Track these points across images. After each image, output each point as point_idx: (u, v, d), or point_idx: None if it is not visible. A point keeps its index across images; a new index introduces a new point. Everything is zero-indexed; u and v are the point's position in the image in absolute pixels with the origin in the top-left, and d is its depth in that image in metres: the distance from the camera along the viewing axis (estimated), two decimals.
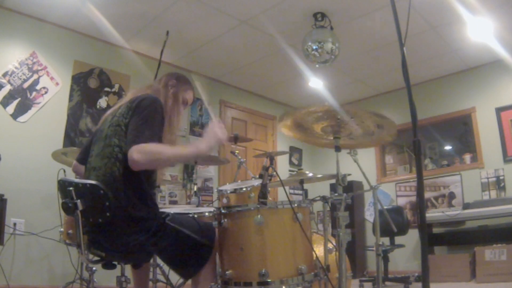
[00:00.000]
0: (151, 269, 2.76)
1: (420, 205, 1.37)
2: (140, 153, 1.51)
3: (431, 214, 4.57)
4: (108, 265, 1.70)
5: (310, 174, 2.57)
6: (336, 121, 1.97)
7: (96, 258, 1.67)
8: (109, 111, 1.85)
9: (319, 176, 2.61)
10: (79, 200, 1.52)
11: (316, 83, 5.46)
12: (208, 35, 4.29)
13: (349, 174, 2.09)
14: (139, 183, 1.63)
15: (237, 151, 3.27)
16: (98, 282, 3.18)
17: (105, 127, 1.73)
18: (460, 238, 4.55)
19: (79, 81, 4.10)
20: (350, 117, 1.93)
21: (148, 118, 1.62)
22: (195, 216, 2.06)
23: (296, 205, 1.81)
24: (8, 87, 3.60)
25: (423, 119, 5.29)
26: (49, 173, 3.37)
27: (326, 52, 3.80)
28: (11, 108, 3.60)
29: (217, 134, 1.72)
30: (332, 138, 2.08)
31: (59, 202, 1.74)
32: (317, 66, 4.07)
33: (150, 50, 4.55)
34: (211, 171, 5.06)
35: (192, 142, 1.78)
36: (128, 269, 1.98)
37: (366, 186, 4.69)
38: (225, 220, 1.81)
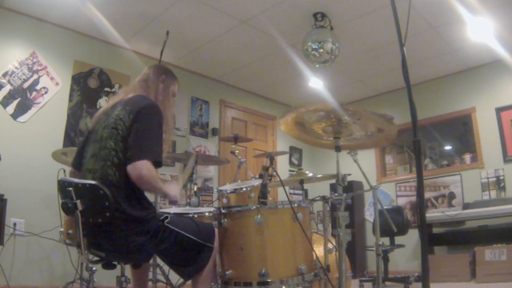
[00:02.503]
0: (151, 269, 2.76)
1: (420, 205, 1.37)
2: (150, 172, 1.57)
3: (431, 214, 4.57)
4: (108, 265, 1.70)
5: (310, 174, 2.57)
6: (337, 121, 1.97)
7: (96, 258, 1.67)
8: (100, 111, 1.85)
9: (319, 176, 2.61)
10: (78, 200, 1.52)
11: (316, 83, 5.46)
12: (208, 35, 4.29)
13: (349, 174, 2.09)
14: (136, 185, 1.63)
15: (237, 151, 3.28)
16: (98, 282, 3.17)
17: (99, 128, 1.72)
18: (460, 238, 4.55)
19: (79, 81, 4.10)
20: (354, 118, 1.93)
21: (153, 130, 1.66)
22: (195, 216, 2.07)
23: (296, 205, 1.81)
24: (8, 87, 3.60)
25: (423, 119, 5.28)
26: (49, 173, 3.37)
27: (326, 52, 3.80)
28: (11, 108, 3.60)
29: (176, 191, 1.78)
30: (332, 138, 2.08)
31: (59, 202, 1.74)
32: (317, 66, 4.06)
33: (150, 50, 4.55)
34: (211, 171, 5.06)
35: (171, 182, 1.89)
36: (128, 269, 1.98)
37: (366, 186, 4.67)
38: (225, 220, 1.81)
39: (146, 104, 1.72)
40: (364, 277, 4.57)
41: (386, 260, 4.26)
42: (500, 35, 4.23)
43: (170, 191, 1.74)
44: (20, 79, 3.69)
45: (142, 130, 1.63)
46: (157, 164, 1.64)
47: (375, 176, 5.81)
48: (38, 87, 3.79)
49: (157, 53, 3.73)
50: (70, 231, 2.82)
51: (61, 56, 3.99)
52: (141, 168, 1.55)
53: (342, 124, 1.98)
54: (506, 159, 4.65)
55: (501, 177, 4.62)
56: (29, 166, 3.58)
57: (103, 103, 4.23)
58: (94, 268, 2.85)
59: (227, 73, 5.26)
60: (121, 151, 1.62)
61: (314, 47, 3.79)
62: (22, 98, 3.68)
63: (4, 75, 3.60)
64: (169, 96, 1.95)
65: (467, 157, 5.04)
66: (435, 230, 4.77)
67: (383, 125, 2.00)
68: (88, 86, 4.16)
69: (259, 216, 1.73)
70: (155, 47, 4.37)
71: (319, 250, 2.10)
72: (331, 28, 3.92)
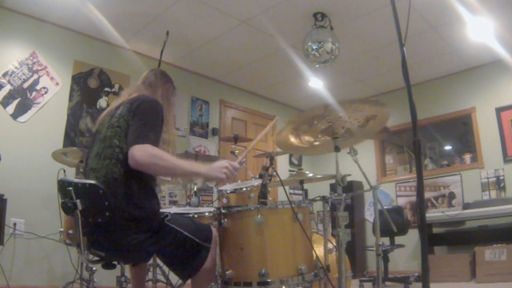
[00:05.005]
0: (151, 269, 2.76)
1: (420, 205, 1.37)
2: (143, 153, 1.52)
3: (431, 214, 4.57)
4: (108, 265, 1.70)
5: (310, 174, 2.58)
6: (332, 120, 1.97)
7: (96, 258, 1.67)
8: (104, 112, 1.86)
9: (319, 176, 2.61)
10: (78, 200, 1.52)
11: (316, 83, 5.46)
12: (208, 35, 4.29)
13: (349, 174, 2.09)
14: (141, 183, 1.63)
15: (237, 151, 3.27)
16: (98, 282, 3.17)
17: (103, 129, 1.73)
18: (460, 238, 4.55)
19: (79, 81, 4.10)
20: (349, 111, 1.92)
21: (150, 121, 1.65)
22: (195, 216, 2.07)
23: (296, 205, 1.81)
24: (8, 87, 3.60)
25: (423, 119, 5.28)
26: (49, 173, 3.37)
27: (326, 52, 3.80)
28: (11, 108, 3.60)
29: (224, 170, 1.71)
30: (330, 139, 2.08)
31: (59, 202, 1.74)
32: (317, 66, 4.06)
33: (150, 50, 4.55)
34: None
35: (200, 164, 1.83)
36: (128, 269, 1.99)
37: (366, 186, 4.69)
38: (225, 220, 1.81)
39: (144, 99, 1.73)
40: (364, 277, 4.57)
41: (386, 260, 4.26)
42: (500, 35, 4.23)
43: (196, 169, 1.72)
44: (20, 79, 3.69)
45: (138, 121, 1.63)
46: None
47: (375, 176, 5.81)
48: (38, 87, 3.79)
49: (157, 53, 3.73)
50: (70, 231, 2.82)
51: (61, 56, 3.99)
52: (133, 153, 1.52)
53: (337, 122, 1.98)
54: (506, 159, 4.65)
55: (501, 177, 4.62)
56: (29, 166, 3.58)
57: (103, 103, 4.23)
58: (94, 268, 2.85)
59: (227, 73, 5.26)
60: (126, 148, 1.62)
61: (314, 47, 3.79)
62: (22, 98, 3.68)
63: (4, 75, 3.60)
64: (171, 102, 2.01)
65: (467, 157, 5.04)
66: (435, 230, 4.77)
67: (375, 110, 1.99)
68: (88, 86, 4.16)
69: (259, 216, 1.73)
70: (155, 47, 4.37)
71: (319, 250, 2.10)
72: (331, 28, 3.92)
